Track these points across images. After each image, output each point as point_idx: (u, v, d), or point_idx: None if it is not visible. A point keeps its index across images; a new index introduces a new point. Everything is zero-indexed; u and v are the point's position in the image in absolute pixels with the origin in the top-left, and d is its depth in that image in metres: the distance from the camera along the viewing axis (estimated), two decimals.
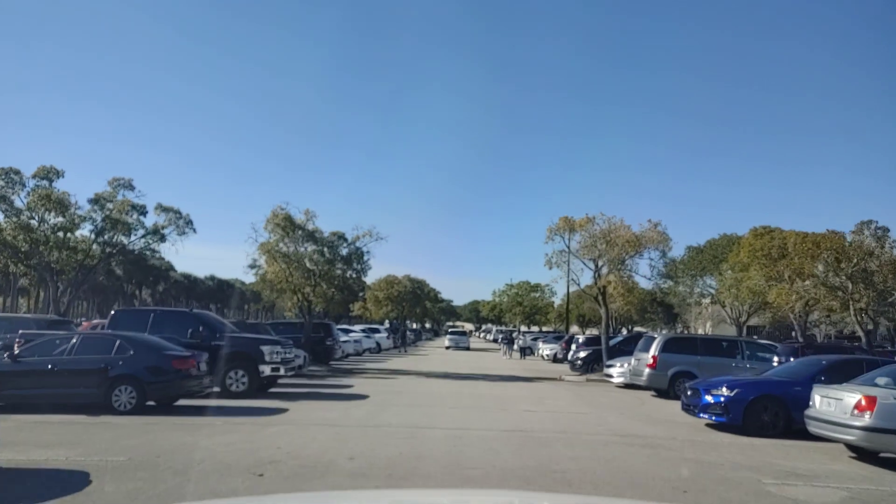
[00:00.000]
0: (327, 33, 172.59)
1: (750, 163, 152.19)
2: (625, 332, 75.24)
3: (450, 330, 67.37)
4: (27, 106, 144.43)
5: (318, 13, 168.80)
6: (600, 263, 26.11)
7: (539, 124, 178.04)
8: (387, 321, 77.10)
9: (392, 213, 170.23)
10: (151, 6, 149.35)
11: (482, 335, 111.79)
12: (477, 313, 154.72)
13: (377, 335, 47.03)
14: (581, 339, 34.69)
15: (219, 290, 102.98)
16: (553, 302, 76.11)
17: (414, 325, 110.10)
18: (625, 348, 26.94)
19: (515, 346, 43.56)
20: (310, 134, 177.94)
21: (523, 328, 75.84)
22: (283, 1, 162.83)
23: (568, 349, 38.82)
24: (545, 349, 44.17)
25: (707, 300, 72.29)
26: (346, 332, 41.96)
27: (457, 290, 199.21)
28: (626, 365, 22.64)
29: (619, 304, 26.93)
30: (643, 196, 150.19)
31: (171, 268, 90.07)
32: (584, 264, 26.69)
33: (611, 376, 23.16)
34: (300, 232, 26.27)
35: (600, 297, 26.47)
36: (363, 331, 45.02)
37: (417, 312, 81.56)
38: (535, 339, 53.93)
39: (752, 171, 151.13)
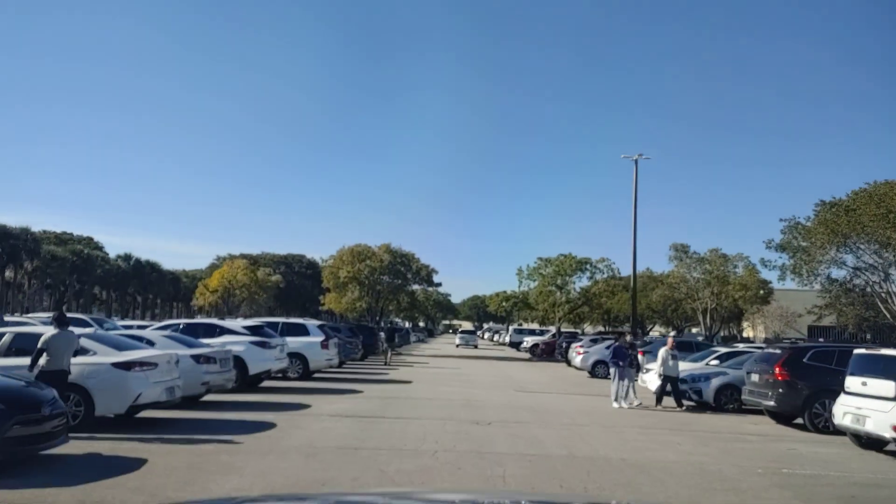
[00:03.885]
0: (323, 38, 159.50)
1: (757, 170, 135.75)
2: (673, 333, 48.69)
3: (460, 330, 74.29)
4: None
5: (314, 18, 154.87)
6: None
7: (533, 128, 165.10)
8: (380, 320, 50.38)
9: (387, 214, 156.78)
10: (141, 8, 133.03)
11: (491, 335, 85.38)
12: (478, 310, 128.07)
13: (300, 340, 20.89)
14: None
15: (135, 275, 75.39)
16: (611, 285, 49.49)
17: (407, 323, 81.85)
18: None
19: (642, 375, 16.98)
20: (302, 137, 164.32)
21: (563, 328, 49.61)
22: (278, 6, 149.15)
23: None
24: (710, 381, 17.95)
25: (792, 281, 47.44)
26: (214, 332, 15.96)
27: (452, 289, 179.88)
28: None
29: None
30: (641, 198, 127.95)
31: (49, 240, 63.17)
32: None
33: None
34: None
35: None
36: (252, 331, 18.40)
37: (402, 303, 54.34)
38: (606, 346, 27.75)
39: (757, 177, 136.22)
